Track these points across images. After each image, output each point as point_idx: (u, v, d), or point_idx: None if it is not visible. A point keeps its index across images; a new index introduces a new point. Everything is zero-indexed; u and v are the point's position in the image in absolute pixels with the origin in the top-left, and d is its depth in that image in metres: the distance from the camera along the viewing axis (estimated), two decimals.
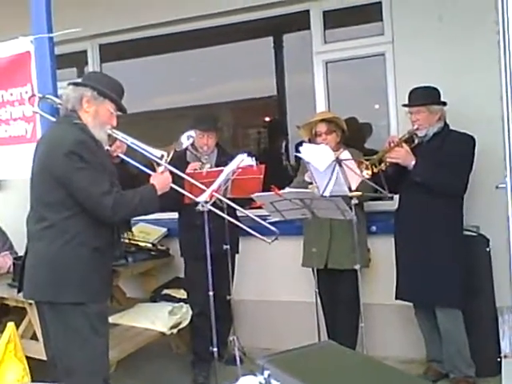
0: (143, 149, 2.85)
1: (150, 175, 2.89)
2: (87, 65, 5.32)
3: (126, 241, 4.30)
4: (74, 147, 2.55)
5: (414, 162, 3.41)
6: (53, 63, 3.14)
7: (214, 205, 3.18)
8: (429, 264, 3.43)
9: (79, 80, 2.93)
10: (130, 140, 2.85)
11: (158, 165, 2.87)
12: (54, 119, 3.06)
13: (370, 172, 3.31)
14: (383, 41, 4.29)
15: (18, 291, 2.91)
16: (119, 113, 2.83)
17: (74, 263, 2.61)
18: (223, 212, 3.38)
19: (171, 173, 3.01)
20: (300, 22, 4.64)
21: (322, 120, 3.80)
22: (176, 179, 3.20)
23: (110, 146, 2.85)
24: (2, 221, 4.59)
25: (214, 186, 3.14)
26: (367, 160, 3.37)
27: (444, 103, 3.51)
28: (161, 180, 2.80)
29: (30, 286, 2.72)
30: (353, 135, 4.07)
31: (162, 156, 2.83)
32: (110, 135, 2.79)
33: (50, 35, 3.12)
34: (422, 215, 3.46)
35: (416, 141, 3.55)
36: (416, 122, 3.50)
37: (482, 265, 3.66)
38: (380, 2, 4.29)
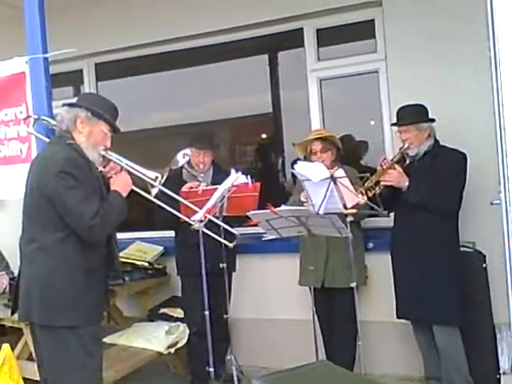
0: (137, 170, 2.85)
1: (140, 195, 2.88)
2: (83, 83, 5.34)
3: (123, 260, 4.33)
4: (65, 166, 2.55)
5: (407, 184, 3.42)
6: (48, 83, 3.16)
7: (210, 223, 3.18)
8: (425, 281, 3.42)
9: (74, 100, 2.92)
10: (124, 161, 2.84)
11: (153, 186, 2.87)
12: (48, 140, 3.07)
13: (365, 197, 3.29)
14: (376, 58, 4.33)
15: (12, 312, 2.90)
16: (113, 133, 2.83)
17: (66, 287, 2.59)
18: (219, 230, 3.38)
19: (167, 194, 3.01)
20: (294, 39, 4.68)
21: (317, 138, 3.81)
22: (172, 199, 3.21)
23: (104, 167, 2.84)
24: None
25: (209, 205, 3.14)
26: (361, 187, 3.35)
27: (432, 120, 3.51)
28: (121, 183, 2.78)
29: (23, 309, 2.70)
30: (348, 153, 4.08)
31: (156, 178, 2.83)
32: (104, 156, 2.79)
33: (45, 55, 3.14)
34: (418, 233, 3.45)
35: (408, 160, 3.54)
36: (406, 140, 3.50)
37: (479, 281, 3.64)
38: (373, 20, 4.33)
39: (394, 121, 3.64)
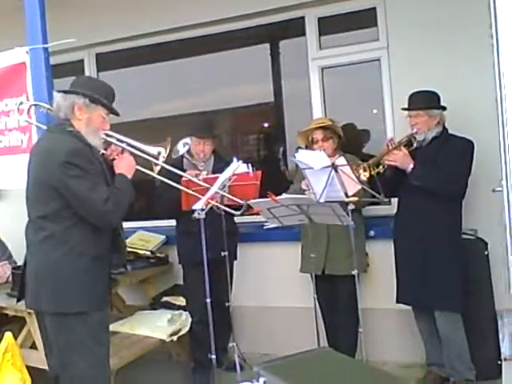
0: (139, 149, 2.84)
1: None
2: (84, 74, 5.34)
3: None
4: (70, 157, 2.55)
5: (412, 166, 3.42)
6: (48, 73, 3.16)
7: (211, 211, 3.18)
8: (427, 267, 3.44)
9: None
10: (125, 142, 2.84)
11: (156, 165, 2.87)
12: (44, 127, 3.07)
13: (367, 174, 3.32)
14: (378, 46, 4.30)
15: (18, 300, 2.91)
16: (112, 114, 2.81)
17: (75, 273, 2.61)
18: (221, 218, 3.39)
19: (171, 178, 3.01)
20: (295, 28, 4.66)
21: (319, 127, 3.80)
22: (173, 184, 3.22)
23: (105, 149, 2.85)
24: (1, 230, 4.59)
25: (211, 193, 3.14)
26: (365, 163, 3.37)
27: (443, 108, 3.51)
28: (125, 165, 2.79)
29: (31, 297, 2.71)
30: (350, 141, 4.07)
31: (159, 153, 2.83)
32: (104, 139, 2.79)
33: (45, 46, 3.13)
34: (421, 219, 3.46)
35: (414, 144, 3.55)
36: (415, 125, 3.51)
37: (481, 268, 3.66)
38: (374, 8, 4.31)
39: (396, 109, 3.63)
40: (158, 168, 2.87)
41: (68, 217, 2.60)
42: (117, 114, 2.82)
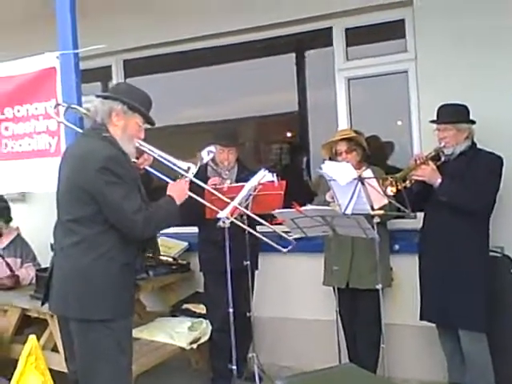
0: (170, 161, 2.86)
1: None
2: (111, 79, 5.39)
3: (149, 255, 4.36)
4: (107, 163, 2.54)
5: (439, 181, 3.37)
6: (78, 79, 3.18)
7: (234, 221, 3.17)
8: (452, 285, 3.38)
9: (107, 92, 2.90)
10: (157, 153, 2.86)
11: (183, 177, 2.87)
12: (79, 130, 3.09)
13: (394, 189, 3.28)
14: (406, 58, 4.27)
15: (42, 303, 2.92)
16: (147, 125, 2.83)
17: (104, 279, 2.60)
18: (244, 228, 3.38)
19: (194, 186, 3.02)
20: (322, 38, 4.65)
21: (343, 139, 3.78)
22: (198, 193, 3.22)
23: (137, 158, 2.86)
24: (26, 232, 4.64)
25: (236, 202, 3.14)
26: (392, 177, 3.34)
27: (473, 122, 3.46)
28: (178, 189, 2.80)
29: (58, 301, 2.70)
30: (374, 153, 4.04)
31: (189, 168, 2.84)
32: (137, 148, 2.80)
33: (76, 51, 3.16)
34: (447, 234, 3.40)
35: (442, 158, 3.50)
36: (443, 139, 3.46)
37: (507, 286, 3.59)
38: (403, 20, 4.28)
39: (423, 122, 3.59)
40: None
41: (100, 222, 2.59)
42: (153, 124, 2.83)
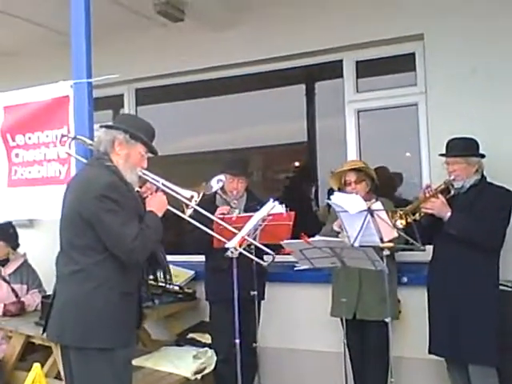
0: (173, 190, 2.86)
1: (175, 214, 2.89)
2: (123, 107, 5.46)
3: (154, 283, 4.34)
4: (106, 190, 2.56)
5: (449, 214, 3.36)
6: (90, 107, 3.20)
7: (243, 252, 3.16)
8: (462, 319, 3.34)
9: (111, 123, 2.96)
10: (160, 181, 2.86)
11: (187, 206, 2.87)
12: (84, 160, 3.11)
13: (403, 222, 3.27)
14: (416, 91, 4.31)
15: (43, 331, 2.90)
16: (150, 155, 2.85)
17: (103, 308, 2.59)
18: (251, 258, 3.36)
19: (203, 216, 3.02)
20: (333, 70, 4.70)
21: (352, 169, 3.79)
22: (206, 222, 3.22)
23: (141, 187, 2.86)
24: (33, 259, 4.64)
25: (244, 232, 3.13)
26: (401, 209, 3.33)
27: (482, 155, 3.47)
28: (157, 203, 2.78)
29: (56, 329, 2.69)
30: (383, 184, 4.04)
31: (192, 197, 2.84)
32: (140, 177, 2.81)
33: (90, 80, 3.20)
34: (457, 268, 3.38)
35: (452, 192, 3.49)
36: (453, 172, 3.45)
37: None
38: (413, 53, 4.33)
39: (432, 154, 3.59)
40: (189, 211, 2.87)
41: (99, 251, 2.60)
42: (155, 153, 2.85)
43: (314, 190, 5.14)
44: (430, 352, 3.53)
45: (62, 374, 3.32)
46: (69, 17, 3.18)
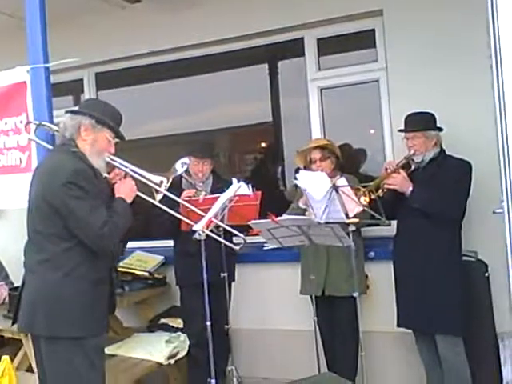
0: (142, 175, 2.83)
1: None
2: (83, 93, 5.35)
3: (123, 270, 4.31)
4: (72, 177, 2.52)
5: (411, 189, 3.41)
6: (49, 93, 3.14)
7: (210, 232, 3.15)
8: (427, 290, 3.40)
9: (76, 108, 2.90)
10: (129, 167, 2.83)
11: (157, 191, 2.85)
12: (50, 147, 3.05)
13: (367, 199, 3.30)
14: (377, 67, 4.34)
15: (13, 323, 2.86)
16: (117, 140, 2.81)
17: (73, 297, 2.56)
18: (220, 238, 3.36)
19: (170, 199, 2.99)
20: (295, 49, 4.69)
21: (316, 147, 3.80)
22: (173, 206, 3.20)
23: (109, 173, 2.82)
24: None
25: (211, 214, 3.12)
26: (364, 187, 3.37)
27: (440, 129, 3.52)
28: (126, 189, 2.76)
29: (26, 320, 2.65)
30: (347, 161, 4.07)
31: (162, 182, 2.82)
32: (108, 163, 2.77)
33: (47, 65, 3.12)
34: (421, 241, 3.44)
35: (413, 166, 3.54)
36: (412, 147, 3.50)
37: (481, 290, 3.63)
38: (373, 30, 4.34)
39: (395, 130, 3.63)
40: (159, 196, 2.85)
41: (67, 238, 2.57)
42: (122, 138, 2.81)
43: (280, 170, 5.14)
44: (398, 325, 3.59)
45: (34, 366, 3.30)
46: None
